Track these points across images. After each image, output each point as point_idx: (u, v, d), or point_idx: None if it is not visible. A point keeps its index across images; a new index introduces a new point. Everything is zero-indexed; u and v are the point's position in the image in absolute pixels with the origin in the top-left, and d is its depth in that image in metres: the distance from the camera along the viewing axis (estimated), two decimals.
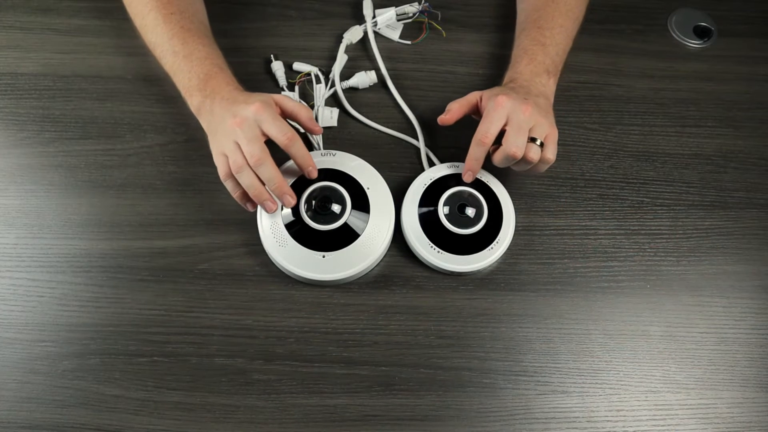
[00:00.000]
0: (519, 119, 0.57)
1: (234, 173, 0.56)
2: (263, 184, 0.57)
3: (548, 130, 0.59)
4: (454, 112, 0.62)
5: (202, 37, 0.63)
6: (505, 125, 0.58)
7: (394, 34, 0.76)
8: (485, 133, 0.58)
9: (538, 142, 0.58)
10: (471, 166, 0.60)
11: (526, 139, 0.57)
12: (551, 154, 0.59)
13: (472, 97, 0.62)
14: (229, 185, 0.58)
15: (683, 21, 0.80)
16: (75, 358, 0.56)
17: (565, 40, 0.68)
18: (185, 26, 0.63)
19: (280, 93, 0.70)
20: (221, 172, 0.57)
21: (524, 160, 0.58)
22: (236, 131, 0.55)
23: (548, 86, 0.64)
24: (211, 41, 0.64)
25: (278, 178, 0.56)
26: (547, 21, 0.67)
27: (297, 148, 0.57)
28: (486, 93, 0.61)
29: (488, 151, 0.60)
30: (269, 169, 0.56)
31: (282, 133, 0.55)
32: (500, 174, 0.65)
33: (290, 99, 0.60)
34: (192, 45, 0.62)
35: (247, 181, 0.56)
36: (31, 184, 0.64)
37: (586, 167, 0.68)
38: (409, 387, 0.57)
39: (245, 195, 0.58)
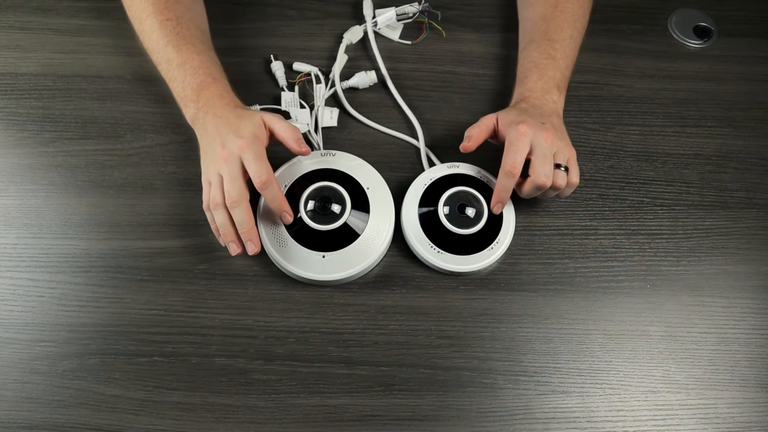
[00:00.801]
0: (542, 147, 0.57)
1: (211, 208, 0.58)
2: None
3: (569, 153, 0.59)
4: (474, 139, 0.61)
5: (197, 45, 0.62)
6: (529, 154, 0.58)
7: (394, 34, 0.76)
8: (513, 164, 0.58)
9: (562, 168, 0.58)
10: (501, 198, 0.60)
11: (552, 166, 0.58)
12: (576, 177, 0.60)
13: (489, 121, 0.62)
14: (208, 215, 0.59)
15: (683, 21, 0.80)
16: (75, 358, 0.56)
17: (574, 51, 0.67)
18: (180, 33, 0.62)
19: (279, 92, 0.71)
20: (204, 200, 0.59)
21: (552, 187, 0.58)
22: (221, 165, 0.56)
23: (559, 103, 0.64)
24: (206, 48, 0.63)
25: (249, 223, 0.57)
26: (556, 32, 0.67)
27: (270, 191, 0.57)
28: (502, 117, 0.61)
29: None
30: (242, 212, 0.56)
31: (258, 176, 0.55)
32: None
33: (279, 120, 0.59)
34: (186, 53, 0.61)
35: (220, 220, 0.57)
36: (31, 184, 0.64)
37: (586, 167, 0.68)
38: (409, 387, 0.57)
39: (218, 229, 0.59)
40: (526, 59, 0.67)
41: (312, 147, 0.68)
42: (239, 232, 0.57)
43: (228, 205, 0.56)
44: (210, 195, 0.58)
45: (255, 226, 0.58)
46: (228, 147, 0.56)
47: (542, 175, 0.57)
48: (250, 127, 0.57)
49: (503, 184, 0.59)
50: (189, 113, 0.60)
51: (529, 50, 0.67)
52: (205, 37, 0.66)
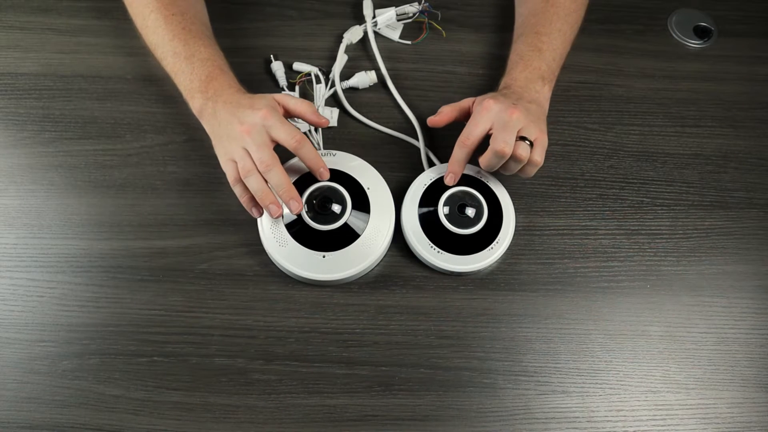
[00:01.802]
0: (504, 120, 0.57)
1: (242, 178, 0.57)
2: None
3: (537, 134, 0.58)
4: (444, 114, 0.62)
5: (204, 39, 0.63)
6: (491, 129, 0.58)
7: (394, 34, 0.76)
8: (468, 135, 0.59)
9: (527, 141, 0.58)
10: (453, 169, 0.61)
11: (514, 137, 0.57)
12: (538, 156, 0.59)
13: (465, 102, 0.63)
14: (237, 190, 0.59)
15: (683, 21, 0.80)
16: (75, 358, 0.56)
17: (563, 44, 0.67)
18: (187, 27, 0.63)
19: (280, 93, 0.71)
20: (230, 177, 0.58)
21: (513, 158, 0.58)
22: (245, 138, 0.56)
23: (542, 93, 0.63)
24: (212, 42, 0.64)
25: (287, 183, 0.57)
26: (544, 26, 0.67)
27: (307, 150, 0.57)
28: (479, 97, 0.61)
29: (472, 155, 0.60)
30: (279, 174, 0.56)
31: (291, 137, 0.56)
32: (500, 174, 0.65)
33: (291, 97, 0.60)
34: (193, 46, 0.61)
35: (255, 185, 0.57)
36: (31, 184, 0.64)
37: (586, 167, 0.68)
38: (409, 387, 0.57)
39: (252, 200, 0.59)
40: (513, 53, 0.67)
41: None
42: (279, 193, 0.57)
43: (262, 170, 0.56)
44: (239, 167, 0.57)
45: (293, 187, 0.57)
46: (248, 121, 0.56)
47: (501, 141, 0.57)
48: (264, 101, 0.57)
49: (456, 154, 0.60)
50: (196, 104, 0.60)
51: (518, 44, 0.68)
52: (210, 32, 0.66)
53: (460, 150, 0.60)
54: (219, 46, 0.65)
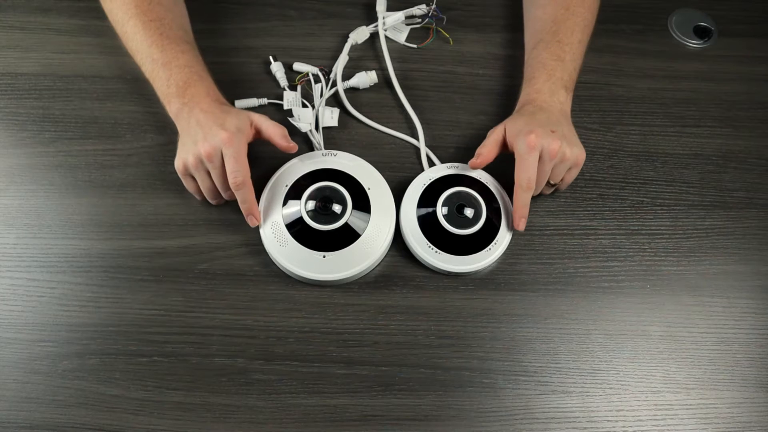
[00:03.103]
0: (549, 154, 0.58)
1: (191, 170, 0.59)
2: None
3: (576, 156, 0.60)
4: (484, 156, 0.62)
5: (182, 44, 0.63)
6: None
7: (401, 37, 0.76)
8: (528, 180, 0.59)
9: (552, 185, 0.63)
10: (523, 213, 0.60)
11: (544, 180, 0.61)
12: (572, 177, 0.63)
13: (497, 135, 0.62)
14: (186, 181, 0.61)
15: (683, 21, 0.80)
16: (75, 358, 0.56)
17: (581, 56, 0.68)
18: (164, 33, 0.63)
19: (281, 92, 0.71)
20: (179, 168, 0.60)
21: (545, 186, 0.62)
22: (203, 158, 0.57)
23: (566, 103, 0.64)
24: (191, 48, 0.64)
25: (252, 200, 0.59)
26: (567, 35, 0.67)
27: (243, 192, 0.58)
28: (509, 126, 0.61)
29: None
30: (247, 192, 0.58)
31: (233, 175, 0.57)
32: (499, 174, 0.65)
33: (266, 119, 0.61)
34: (171, 53, 0.62)
35: (204, 181, 0.60)
36: (31, 184, 0.64)
37: (586, 167, 0.68)
38: (409, 387, 0.57)
39: (198, 191, 0.62)
40: (534, 59, 0.67)
41: (313, 147, 0.68)
42: (243, 208, 0.59)
43: (233, 185, 0.57)
44: (190, 162, 0.58)
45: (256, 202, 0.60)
46: (209, 140, 0.57)
47: (526, 179, 0.59)
48: (235, 121, 0.58)
49: (522, 199, 0.60)
50: (173, 109, 0.61)
51: (538, 50, 0.67)
52: (189, 37, 0.66)
53: (526, 194, 0.59)
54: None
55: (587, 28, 0.69)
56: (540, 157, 0.58)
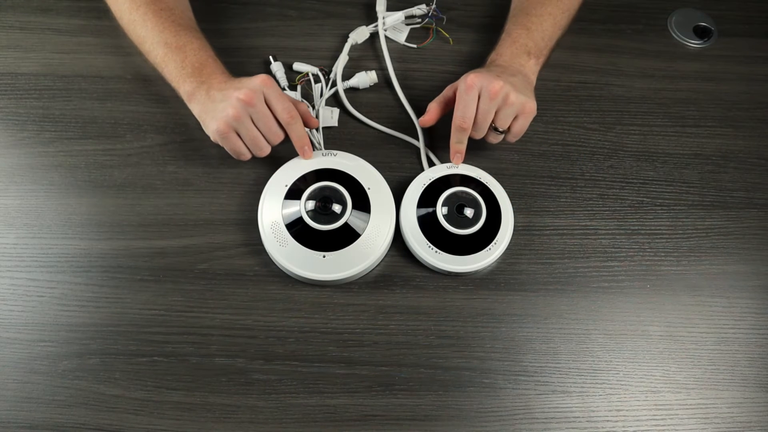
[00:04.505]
0: (489, 93, 0.58)
1: (235, 126, 0.58)
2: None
3: (523, 101, 0.60)
4: (433, 111, 0.64)
5: (194, 31, 0.64)
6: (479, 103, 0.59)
7: (401, 37, 0.76)
8: (462, 118, 0.60)
9: (500, 131, 0.61)
10: (457, 149, 0.63)
11: (489, 122, 0.60)
12: (519, 127, 0.62)
13: (448, 92, 0.64)
14: (229, 140, 0.59)
15: (683, 21, 0.80)
16: (75, 358, 0.56)
17: (552, 27, 0.68)
18: (176, 21, 0.64)
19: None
20: (221, 128, 0.58)
21: (489, 133, 0.62)
22: (242, 103, 0.57)
23: (527, 65, 0.64)
24: (201, 35, 0.65)
25: (304, 134, 0.61)
26: (535, 8, 0.68)
27: (296, 127, 0.59)
28: (459, 79, 0.62)
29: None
30: (300, 126, 0.59)
31: (286, 112, 0.58)
32: (499, 175, 0.65)
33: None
34: (185, 38, 0.62)
35: (249, 133, 0.59)
36: (31, 184, 0.64)
37: (586, 167, 0.68)
38: (409, 387, 0.57)
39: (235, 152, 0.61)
40: (502, 32, 0.68)
41: (314, 147, 0.68)
42: (296, 143, 0.61)
43: (285, 121, 0.58)
44: (231, 117, 0.57)
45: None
46: (246, 86, 0.57)
47: (460, 116, 0.60)
48: (256, 77, 0.58)
49: (456, 136, 0.62)
50: (188, 88, 0.60)
51: (507, 25, 0.69)
52: (197, 27, 0.67)
53: (460, 134, 0.61)
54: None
55: (561, 3, 0.69)
56: (480, 97, 0.59)
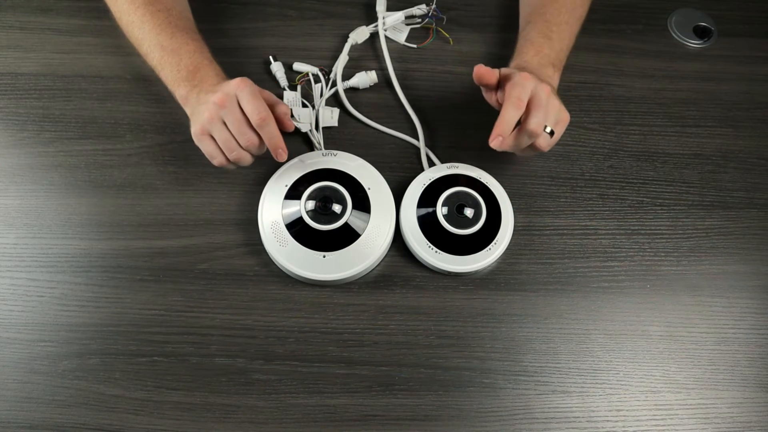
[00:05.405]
0: (540, 96, 0.57)
1: (209, 129, 0.57)
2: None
3: (562, 113, 0.59)
4: (492, 71, 0.60)
5: (190, 33, 0.64)
6: (529, 102, 0.57)
7: (401, 37, 0.76)
8: (519, 96, 0.56)
9: (548, 129, 0.58)
10: (503, 130, 0.56)
11: (544, 119, 0.57)
12: (556, 137, 0.60)
13: (493, 73, 0.60)
14: (204, 143, 0.58)
15: (683, 21, 0.80)
16: (75, 358, 0.56)
17: (569, 37, 0.68)
18: (173, 22, 0.63)
19: (281, 92, 0.71)
20: (197, 128, 0.58)
21: (533, 146, 0.58)
22: (216, 105, 0.56)
23: (554, 78, 0.64)
24: (199, 37, 0.64)
25: (278, 135, 0.58)
26: (553, 15, 0.68)
27: (268, 129, 0.57)
28: (503, 69, 0.60)
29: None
30: (273, 127, 0.57)
31: (255, 113, 0.56)
32: (499, 175, 0.65)
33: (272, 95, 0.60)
34: (180, 40, 0.62)
35: (222, 135, 0.57)
36: (31, 184, 0.64)
37: (586, 167, 0.68)
38: (409, 387, 0.57)
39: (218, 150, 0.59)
40: (523, 38, 0.67)
41: (313, 147, 0.68)
42: (269, 144, 0.57)
43: (256, 123, 0.56)
44: (206, 117, 0.56)
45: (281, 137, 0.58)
46: (220, 90, 0.56)
47: (534, 123, 0.56)
48: (234, 80, 0.57)
49: (510, 115, 0.56)
50: (182, 92, 0.61)
51: (527, 30, 0.68)
52: (195, 28, 0.66)
53: (515, 111, 0.56)
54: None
55: (575, 11, 0.69)
56: (533, 97, 0.57)
